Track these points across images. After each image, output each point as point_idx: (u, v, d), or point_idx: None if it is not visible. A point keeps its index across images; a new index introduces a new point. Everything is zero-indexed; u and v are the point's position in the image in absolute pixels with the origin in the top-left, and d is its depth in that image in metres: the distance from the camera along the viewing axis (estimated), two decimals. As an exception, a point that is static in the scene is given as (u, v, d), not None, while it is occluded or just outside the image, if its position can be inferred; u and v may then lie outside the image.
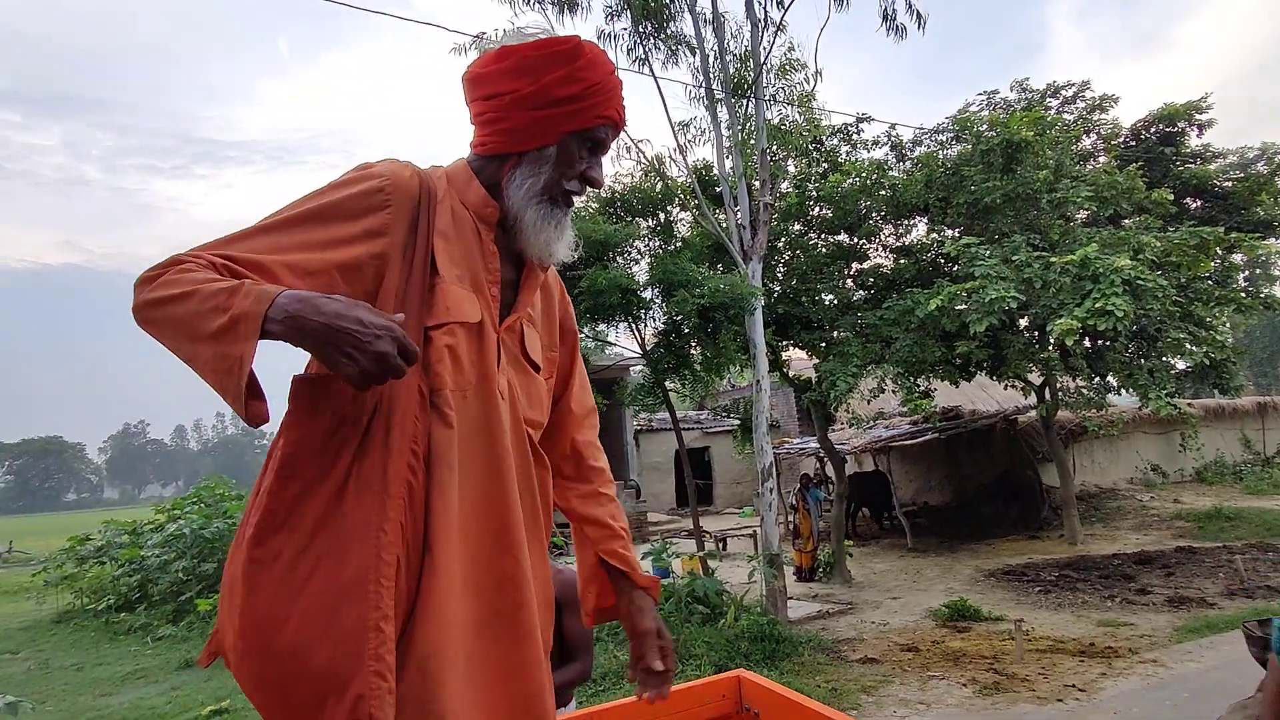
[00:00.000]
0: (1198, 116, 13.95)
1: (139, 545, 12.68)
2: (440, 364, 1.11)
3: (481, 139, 1.23)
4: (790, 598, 9.23)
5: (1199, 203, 13.70)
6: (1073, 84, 14.10)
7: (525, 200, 1.20)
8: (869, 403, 12.53)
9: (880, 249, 12.48)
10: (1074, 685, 6.00)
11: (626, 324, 8.81)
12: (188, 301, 0.96)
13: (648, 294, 8.76)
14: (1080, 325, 8.13)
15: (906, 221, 12.15)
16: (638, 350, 9.58)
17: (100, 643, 10.51)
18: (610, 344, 11.04)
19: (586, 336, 10.36)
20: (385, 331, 0.95)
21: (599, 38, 9.43)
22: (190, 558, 11.56)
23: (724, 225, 9.45)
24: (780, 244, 11.76)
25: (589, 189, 1.30)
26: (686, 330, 8.82)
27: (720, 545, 13.87)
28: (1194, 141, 14.19)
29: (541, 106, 1.17)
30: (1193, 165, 13.64)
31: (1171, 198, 10.90)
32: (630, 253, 9.86)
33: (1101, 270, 8.23)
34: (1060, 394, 11.71)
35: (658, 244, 10.54)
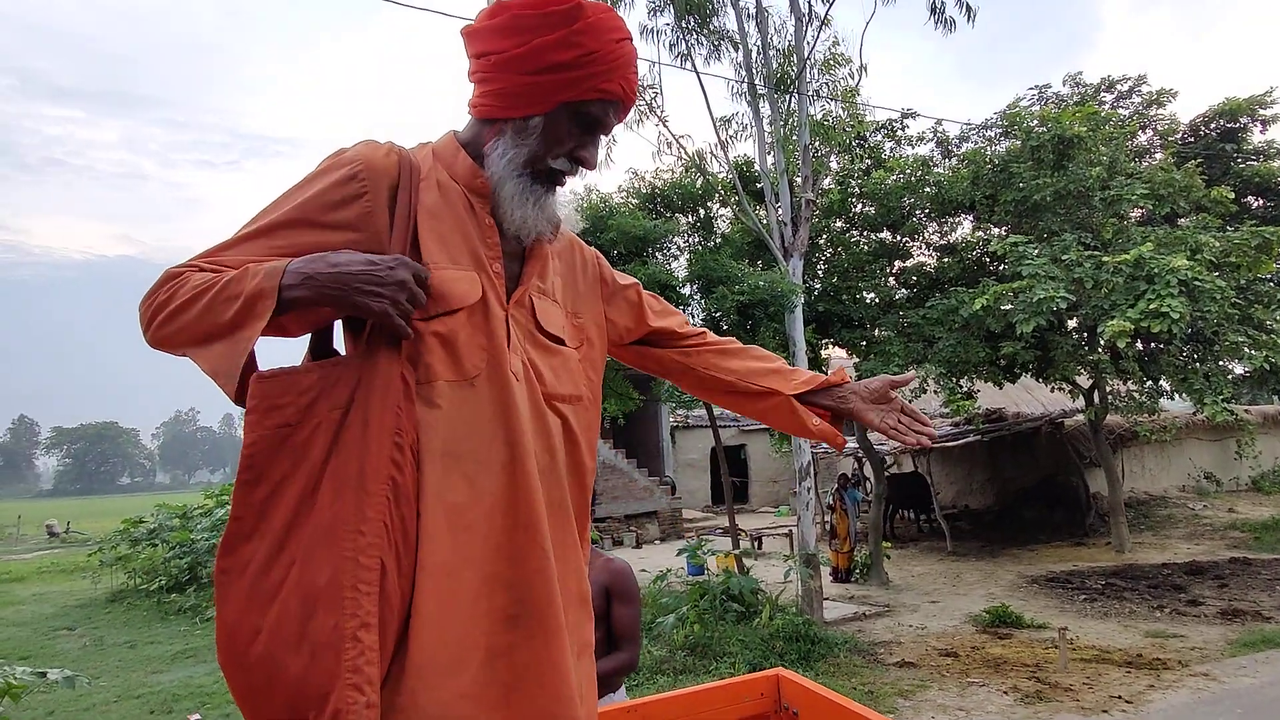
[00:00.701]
0: (1261, 111, 13.40)
1: (189, 529, 13.09)
2: (430, 355, 1.05)
3: (475, 100, 1.15)
4: (826, 598, 9.14)
5: (1261, 201, 13.18)
6: (1128, 78, 13.66)
7: (505, 171, 1.11)
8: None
9: (923, 247, 12.27)
10: (1120, 696, 5.84)
11: (665, 320, 8.80)
12: (197, 303, 0.96)
13: (686, 290, 8.73)
14: (1133, 327, 7.88)
15: (951, 219, 11.92)
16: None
17: (152, 622, 10.89)
18: None
19: None
20: (397, 262, 0.97)
21: (641, 33, 9.42)
22: (237, 542, 11.85)
23: (764, 221, 9.37)
24: (821, 241, 11.63)
25: (581, 170, 1.17)
26: (725, 327, 8.78)
27: (755, 544, 13.79)
28: (1257, 137, 13.66)
29: (532, 72, 1.06)
30: (1255, 162, 13.12)
31: (1232, 196, 10.50)
32: (669, 249, 9.84)
33: (1157, 270, 7.97)
34: (1110, 397, 11.38)
35: (697, 240, 10.50)
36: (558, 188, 1.18)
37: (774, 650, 7.02)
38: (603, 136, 1.19)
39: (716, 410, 18.26)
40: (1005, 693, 6.08)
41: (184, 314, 0.97)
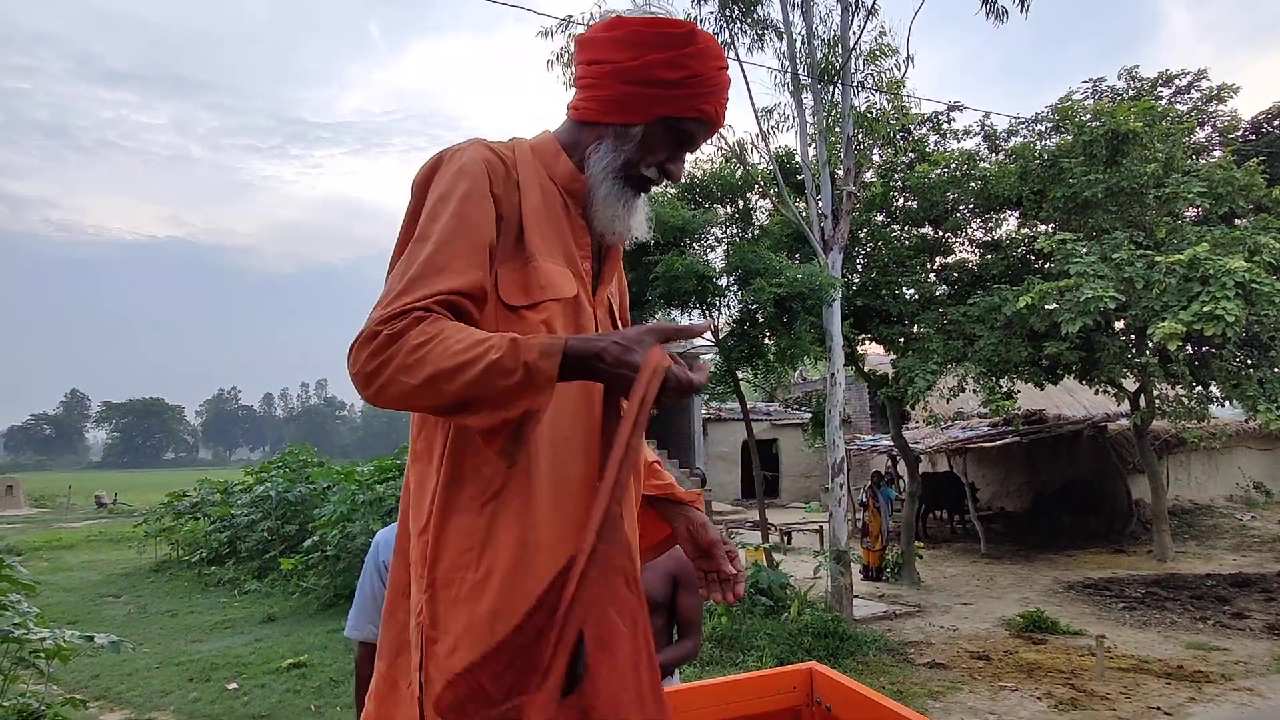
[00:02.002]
0: (1329, 109, 12.83)
1: (229, 504, 13.44)
2: None
3: (577, 102, 1.22)
4: (856, 596, 9.05)
5: (1326, 203, 12.63)
6: (1187, 73, 13.16)
7: (602, 173, 1.18)
8: (948, 402, 12.11)
9: (966, 244, 12.00)
10: (1159, 708, 5.69)
11: (701, 311, 8.75)
12: (464, 373, 0.93)
13: (723, 281, 8.68)
14: (1185, 329, 7.63)
15: (997, 215, 11.63)
16: (711, 338, 9.52)
17: (192, 592, 11.22)
18: None
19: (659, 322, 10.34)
20: (645, 334, 0.99)
21: (684, 21, 9.34)
22: (275, 519, 12.17)
23: (804, 214, 9.26)
24: (861, 235, 11.45)
25: (666, 181, 1.26)
26: (762, 319, 8.72)
27: (785, 539, 13.73)
28: (1323, 136, 13.07)
29: (639, 83, 1.14)
30: (1321, 162, 12.56)
31: (1295, 196, 10.08)
32: (707, 239, 9.78)
33: (1212, 271, 7.70)
34: (1158, 402, 11.06)
35: (735, 231, 10.42)
36: (643, 194, 1.24)
37: (802, 646, 6.97)
38: (690, 153, 1.26)
39: (749, 403, 18.14)
40: (1038, 698, 5.96)
41: (443, 382, 0.93)
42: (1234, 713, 5.59)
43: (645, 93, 1.14)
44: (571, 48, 9.02)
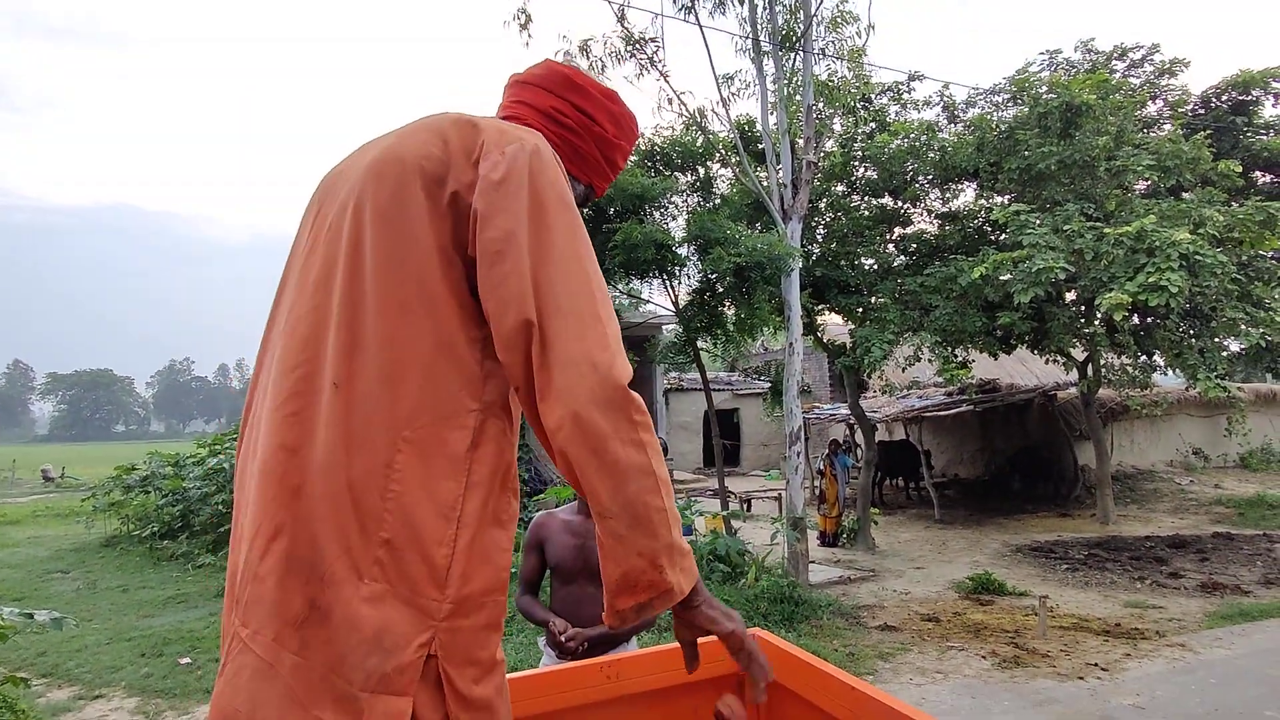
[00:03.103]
0: (1275, 84, 13.16)
1: (181, 477, 13.12)
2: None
3: (547, 129, 1.20)
4: (812, 562, 9.23)
5: (1269, 177, 13.02)
6: (1141, 46, 13.37)
7: None
8: (904, 370, 12.31)
9: (925, 214, 12.13)
10: (1096, 664, 5.93)
11: (661, 280, 8.71)
12: (658, 494, 0.94)
13: (683, 251, 8.64)
14: (1131, 300, 7.84)
15: (954, 186, 11.76)
16: (671, 308, 9.50)
17: (144, 567, 10.98)
18: (644, 300, 10.92)
19: (620, 293, 10.27)
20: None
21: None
22: (229, 491, 11.93)
23: (764, 183, 9.24)
24: (821, 205, 11.49)
25: None
26: (721, 289, 8.72)
27: (745, 506, 13.91)
28: (1268, 111, 13.42)
29: (604, 154, 1.27)
30: (1264, 137, 12.92)
31: (1239, 169, 10.35)
32: (668, 208, 9.71)
33: (1158, 243, 7.89)
34: (1104, 371, 11.40)
35: (696, 200, 10.36)
36: None
37: (758, 610, 7.10)
38: None
39: (710, 373, 18.20)
40: (984, 657, 6.17)
41: (644, 478, 0.93)
42: (1166, 667, 5.85)
43: (600, 163, 1.27)
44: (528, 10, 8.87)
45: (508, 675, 1.14)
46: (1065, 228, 8.70)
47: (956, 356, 10.25)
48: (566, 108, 1.21)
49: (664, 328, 17.57)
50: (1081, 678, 5.66)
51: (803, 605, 7.33)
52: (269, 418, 0.97)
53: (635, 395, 0.95)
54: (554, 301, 0.93)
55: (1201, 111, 13.42)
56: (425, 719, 0.89)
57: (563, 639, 2.36)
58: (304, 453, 0.93)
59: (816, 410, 17.06)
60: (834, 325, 13.64)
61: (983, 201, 11.50)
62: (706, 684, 1.91)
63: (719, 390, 20.58)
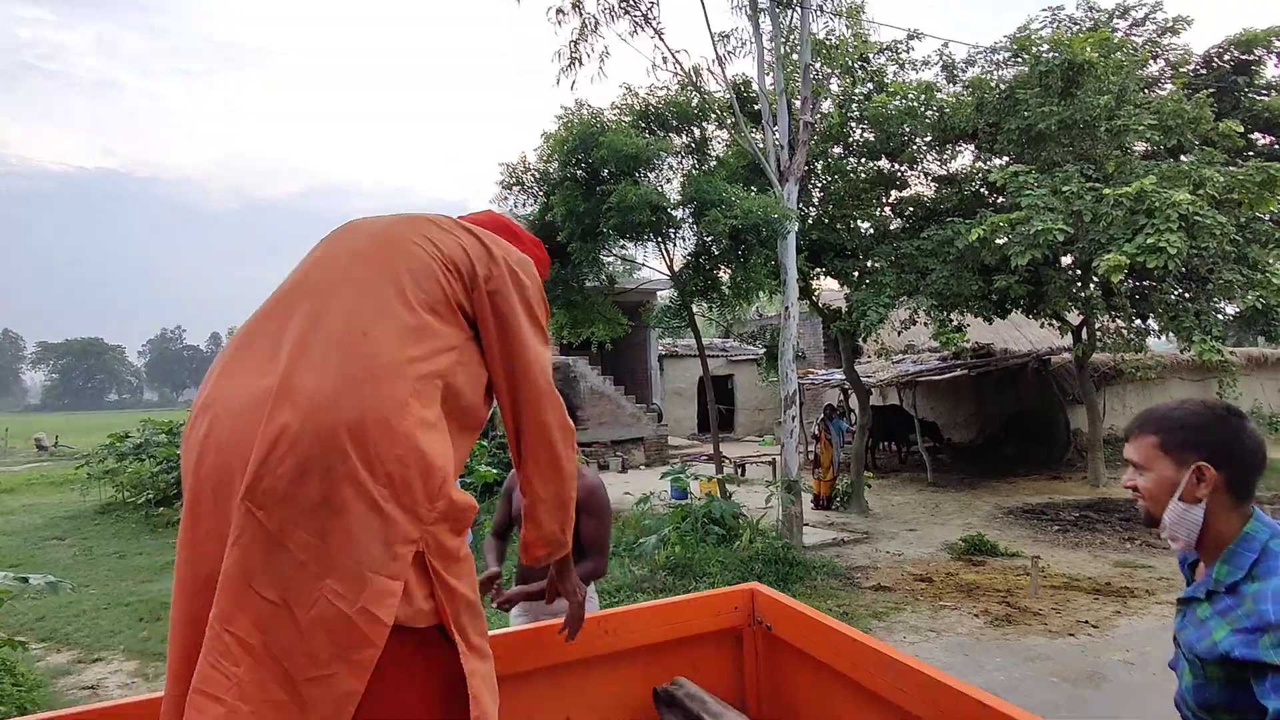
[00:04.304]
0: (1277, 44, 12.96)
1: (175, 444, 13.09)
2: None
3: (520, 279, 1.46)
4: (806, 524, 9.29)
5: (1269, 138, 12.88)
6: (1144, 4, 13.12)
7: None
8: (899, 335, 12.29)
9: (922, 177, 11.98)
10: (1087, 621, 6.01)
11: (656, 244, 8.61)
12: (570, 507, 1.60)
13: (679, 213, 8.53)
14: (1129, 262, 7.78)
15: (952, 147, 11.60)
16: (666, 272, 9.41)
17: (140, 534, 11.00)
18: (638, 264, 10.79)
19: (614, 257, 10.15)
20: None
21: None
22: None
23: (761, 144, 9.09)
24: (818, 167, 11.33)
25: None
26: (717, 252, 8.64)
27: (739, 471, 13.98)
28: (1270, 72, 13.23)
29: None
30: (1265, 97, 12.75)
31: (1240, 130, 10.23)
32: (663, 170, 9.57)
33: (1158, 204, 7.82)
34: (1098, 335, 11.39)
35: (692, 163, 10.21)
36: None
37: (753, 572, 7.15)
38: None
39: (706, 338, 18.14)
40: (976, 615, 6.24)
41: (571, 485, 1.56)
42: (1155, 624, 5.93)
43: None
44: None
45: (513, 629, 1.79)
46: (1064, 189, 8.60)
47: (952, 321, 10.20)
48: (526, 249, 1.57)
49: (659, 293, 17.47)
50: (1072, 634, 5.73)
51: (797, 566, 7.39)
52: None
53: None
54: None
55: (1203, 71, 13.22)
56: (414, 594, 1.12)
57: (493, 601, 2.56)
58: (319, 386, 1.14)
59: (811, 375, 17.07)
60: (829, 290, 13.59)
61: (981, 164, 11.36)
62: (693, 640, 1.90)
63: (713, 356, 20.56)
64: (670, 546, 7.42)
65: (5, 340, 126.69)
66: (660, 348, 21.65)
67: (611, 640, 1.81)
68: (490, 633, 2.17)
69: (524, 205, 9.32)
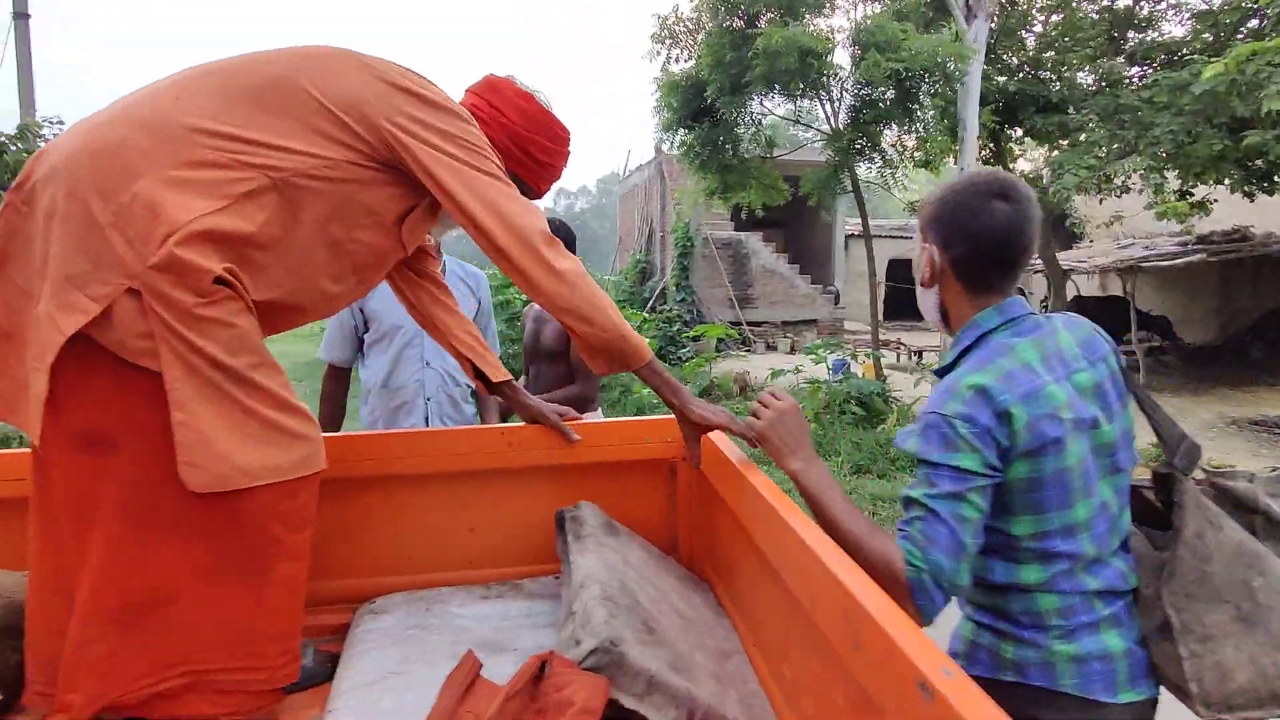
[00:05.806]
0: None
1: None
2: None
3: (479, 119, 1.50)
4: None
5: None
6: None
7: None
8: (1117, 199, 10.26)
9: (1177, 11, 9.64)
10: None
11: (808, 95, 7.78)
12: (620, 327, 1.42)
13: (836, 59, 7.57)
14: None
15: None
16: (828, 131, 8.54)
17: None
18: (795, 120, 9.51)
19: (764, 110, 9.14)
20: None
21: None
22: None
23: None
24: (1034, 4, 9.50)
25: None
26: (883, 105, 7.65)
27: (917, 358, 13.13)
28: None
29: (516, 145, 1.56)
30: None
31: None
32: (831, 15, 8.50)
33: None
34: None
35: (867, 8, 8.97)
36: None
37: (887, 456, 6.71)
38: None
39: (892, 219, 16.69)
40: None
41: (606, 314, 1.40)
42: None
43: (515, 154, 1.52)
44: None
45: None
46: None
47: (1174, 186, 8.30)
48: (481, 103, 1.52)
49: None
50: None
51: (941, 457, 6.81)
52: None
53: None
54: None
55: None
56: (124, 326, 1.11)
57: None
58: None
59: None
60: (1034, 161, 11.74)
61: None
62: (618, 467, 1.72)
63: (901, 238, 19.02)
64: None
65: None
66: (849, 227, 20.32)
67: (518, 454, 1.69)
68: (405, 429, 2.24)
69: (676, 62, 8.78)
